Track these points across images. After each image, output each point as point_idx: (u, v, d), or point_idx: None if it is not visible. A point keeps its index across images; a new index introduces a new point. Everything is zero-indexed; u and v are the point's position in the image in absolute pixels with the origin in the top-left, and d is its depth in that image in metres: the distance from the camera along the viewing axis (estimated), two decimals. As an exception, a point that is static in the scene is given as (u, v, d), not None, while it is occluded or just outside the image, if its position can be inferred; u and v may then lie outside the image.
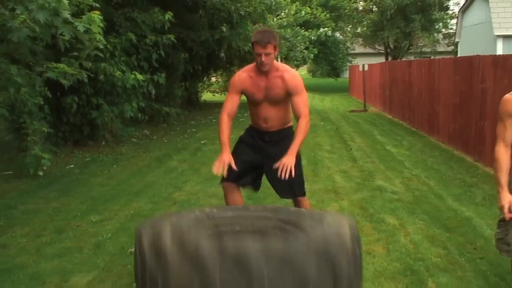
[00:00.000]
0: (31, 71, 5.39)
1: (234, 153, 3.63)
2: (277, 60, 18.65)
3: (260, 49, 3.44)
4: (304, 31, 17.79)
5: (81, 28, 4.49)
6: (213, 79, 22.51)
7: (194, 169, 7.63)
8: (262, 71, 3.56)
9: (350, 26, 37.36)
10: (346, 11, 33.89)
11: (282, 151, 3.39)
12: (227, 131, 3.56)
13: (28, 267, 3.83)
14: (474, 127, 8.42)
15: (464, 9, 21.88)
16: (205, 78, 20.07)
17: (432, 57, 14.91)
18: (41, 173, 6.98)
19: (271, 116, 3.68)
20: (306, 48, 20.86)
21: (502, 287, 3.50)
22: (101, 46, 5.43)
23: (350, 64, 31.93)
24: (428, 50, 34.29)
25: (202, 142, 10.29)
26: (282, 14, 16.16)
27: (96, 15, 4.71)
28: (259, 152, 3.75)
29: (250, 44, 3.67)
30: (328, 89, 33.22)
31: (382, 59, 30.85)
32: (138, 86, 8.71)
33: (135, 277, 2.70)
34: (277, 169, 3.28)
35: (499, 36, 16.96)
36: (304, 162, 7.96)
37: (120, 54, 8.57)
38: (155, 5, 9.52)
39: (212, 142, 10.14)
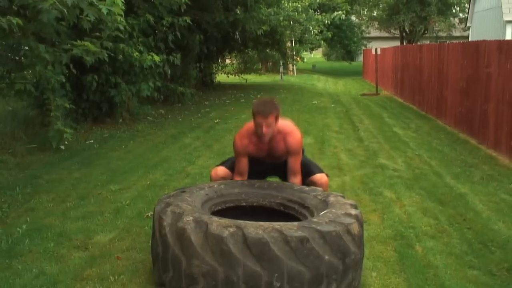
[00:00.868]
0: (57, 49, 5.77)
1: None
2: (291, 45, 18.79)
3: (262, 120, 3.47)
4: (318, 15, 17.97)
5: (104, 10, 4.86)
6: (228, 61, 22.79)
7: (206, 145, 8.02)
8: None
9: (366, 9, 37.27)
10: (362, -6, 33.90)
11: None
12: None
13: (55, 227, 4.25)
14: (479, 110, 8.68)
15: (476, -6, 21.96)
16: (219, 60, 20.38)
17: (448, 42, 15.06)
18: (62, 147, 7.41)
19: (274, 161, 3.87)
20: (321, 32, 21.05)
21: (484, 253, 3.84)
22: (122, 27, 5.79)
23: (365, 48, 31.98)
24: (444, 34, 34.11)
25: (216, 121, 10.67)
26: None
27: (119, -1, 5.07)
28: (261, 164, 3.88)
29: (252, 113, 3.57)
30: (342, 72, 33.34)
31: (397, 43, 30.83)
32: (154, 66, 9.08)
33: (153, 258, 3.08)
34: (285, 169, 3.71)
35: (508, 22, 17.02)
36: (311, 141, 8.39)
37: (138, 35, 8.93)
38: (172, -13, 9.84)
39: (225, 121, 10.52)
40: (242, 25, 12.41)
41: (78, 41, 5.65)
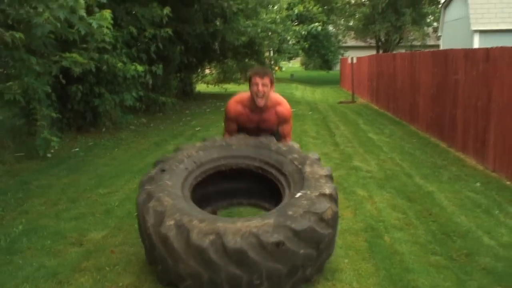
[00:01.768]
0: (47, 61, 6.05)
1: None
2: (270, 54, 19.14)
3: (258, 79, 3.69)
4: (295, 26, 18.44)
5: (95, 24, 5.17)
6: (207, 71, 23.11)
7: (189, 152, 8.31)
8: (257, 106, 3.80)
9: (343, 19, 38.00)
10: (338, 4, 34.58)
11: None
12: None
13: (50, 227, 4.53)
14: (448, 115, 9.16)
15: (446, 5, 22.73)
16: (199, 70, 20.70)
17: (421, 50, 15.65)
18: (49, 155, 7.65)
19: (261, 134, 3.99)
20: (298, 42, 21.53)
21: (446, 241, 4.24)
22: (108, 40, 6.10)
23: (342, 57, 32.61)
24: (418, 43, 34.98)
25: (197, 129, 10.98)
26: (275, 8, 16.83)
27: (108, 13, 5.39)
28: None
29: (248, 78, 3.79)
30: (320, 81, 33.93)
31: (373, 52, 31.52)
32: (137, 76, 9.38)
33: (144, 244, 3.30)
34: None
35: (475, 31, 17.78)
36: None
37: (121, 46, 9.24)
38: (153, 1, 10.18)
39: (206, 129, 10.85)
40: (221, 36, 12.78)
41: (67, 53, 5.94)
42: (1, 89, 7.39)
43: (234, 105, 3.93)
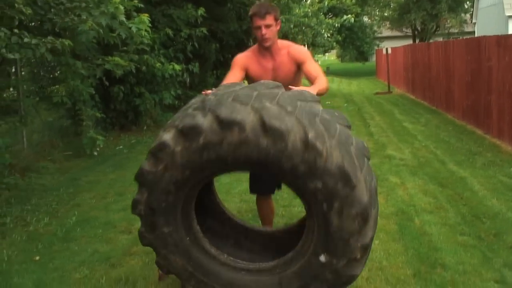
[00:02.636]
0: (91, 64, 6.47)
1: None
2: (303, 45, 19.24)
3: (260, 21, 3.12)
4: (328, 19, 18.51)
5: (134, 28, 5.52)
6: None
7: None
8: (266, 49, 3.24)
9: (377, 9, 37.68)
10: (372, -5, 34.37)
11: None
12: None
13: (100, 218, 4.90)
14: (483, 102, 9.17)
15: (479, -9, 22.44)
16: (235, 67, 21.02)
17: (460, 38, 15.48)
18: (95, 153, 8.08)
19: None
20: (332, 35, 21.58)
21: (475, 223, 4.39)
22: (146, 42, 6.46)
23: (377, 48, 32.41)
24: (456, 31, 34.39)
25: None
26: (308, 2, 16.96)
27: (146, 17, 5.73)
28: None
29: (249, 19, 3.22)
30: (356, 73, 33.79)
31: (410, 42, 31.20)
32: (175, 75, 9.75)
33: None
34: None
35: (510, 17, 17.49)
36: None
37: (159, 47, 9.61)
38: (188, 2, 10.52)
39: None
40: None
41: (109, 56, 6.33)
42: (49, 93, 7.90)
43: (243, 54, 3.36)
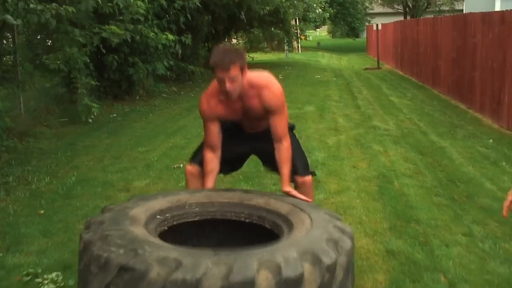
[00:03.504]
0: (88, 32, 6.66)
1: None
2: (296, 23, 19.26)
3: (222, 73, 2.64)
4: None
5: (131, -3, 5.73)
6: (234, 40, 23.53)
7: (219, 116, 8.89)
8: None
9: (369, -15, 37.72)
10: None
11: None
12: (210, 166, 2.86)
13: (99, 178, 5.17)
14: (467, 77, 9.48)
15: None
16: (226, 39, 21.13)
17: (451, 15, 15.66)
18: (90, 120, 8.31)
19: (255, 126, 3.03)
20: (322, 9, 21.73)
21: (450, 186, 4.73)
22: (142, 11, 6.65)
23: (368, 24, 32.55)
24: (447, 8, 34.54)
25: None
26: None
27: (142, -13, 5.93)
28: (243, 140, 3.10)
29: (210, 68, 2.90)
30: (347, 49, 33.98)
31: (401, 19, 31.35)
32: (168, 46, 9.94)
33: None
34: (272, 153, 2.85)
35: (497, -5, 17.76)
36: (313, 108, 9.26)
37: (152, 17, 9.78)
38: (182, -27, 10.67)
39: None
40: (247, 5, 13.20)
41: (106, 25, 6.52)
42: (45, 59, 8.07)
43: (206, 101, 2.90)
